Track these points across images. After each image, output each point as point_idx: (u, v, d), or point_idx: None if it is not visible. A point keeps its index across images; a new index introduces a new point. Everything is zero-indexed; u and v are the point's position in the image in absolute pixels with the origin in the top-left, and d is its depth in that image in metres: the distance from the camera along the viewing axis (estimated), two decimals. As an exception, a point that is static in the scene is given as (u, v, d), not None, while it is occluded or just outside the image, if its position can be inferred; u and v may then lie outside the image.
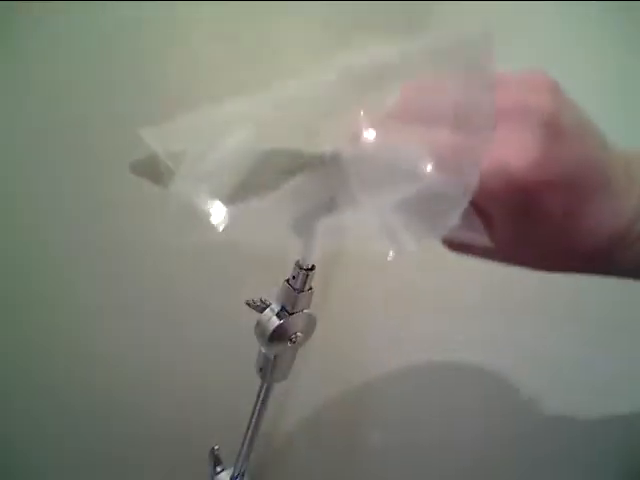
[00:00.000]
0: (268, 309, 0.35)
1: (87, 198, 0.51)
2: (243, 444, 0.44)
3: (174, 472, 0.71)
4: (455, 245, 0.27)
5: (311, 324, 0.37)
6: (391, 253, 0.23)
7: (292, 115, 0.24)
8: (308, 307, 0.35)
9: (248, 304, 0.36)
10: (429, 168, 0.22)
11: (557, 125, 0.22)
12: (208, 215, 0.23)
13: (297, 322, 0.35)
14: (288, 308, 0.35)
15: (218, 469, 0.48)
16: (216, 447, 0.48)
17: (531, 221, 0.24)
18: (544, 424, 0.56)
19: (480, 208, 0.24)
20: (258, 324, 0.35)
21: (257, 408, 0.42)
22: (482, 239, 0.24)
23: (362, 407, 0.76)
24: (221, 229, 0.22)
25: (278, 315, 0.35)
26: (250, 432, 0.43)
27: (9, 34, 0.41)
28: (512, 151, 0.22)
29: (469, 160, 0.22)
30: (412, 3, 0.62)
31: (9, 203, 0.48)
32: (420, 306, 0.63)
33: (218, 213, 0.23)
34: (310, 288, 0.34)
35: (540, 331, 0.54)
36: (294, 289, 0.34)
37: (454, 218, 0.23)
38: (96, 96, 0.47)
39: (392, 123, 0.23)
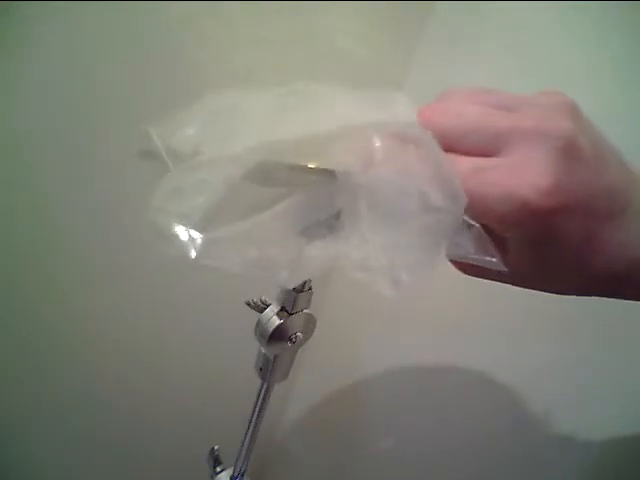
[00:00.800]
0: (268, 309, 0.35)
1: (99, 191, 0.51)
2: (243, 444, 0.44)
3: (174, 472, 0.71)
4: (468, 268, 0.27)
5: (311, 324, 0.37)
6: (387, 292, 0.22)
7: (302, 130, 0.23)
8: (308, 307, 0.36)
9: (248, 304, 0.36)
10: (444, 199, 0.21)
11: (575, 150, 0.22)
12: (180, 243, 0.22)
13: (297, 322, 0.35)
14: (288, 308, 0.35)
15: (218, 469, 0.48)
16: (216, 447, 0.48)
17: (546, 246, 0.23)
18: (543, 438, 0.56)
19: (493, 232, 0.23)
20: (258, 324, 0.35)
21: (257, 408, 0.42)
22: (496, 263, 0.23)
23: (361, 407, 0.76)
24: (193, 257, 0.22)
25: (278, 315, 0.35)
26: (250, 432, 0.43)
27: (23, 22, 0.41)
28: (527, 176, 0.21)
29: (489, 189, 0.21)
30: (413, 3, 0.62)
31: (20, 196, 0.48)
32: (419, 311, 0.63)
33: (190, 241, 0.22)
34: (310, 288, 0.34)
35: (540, 343, 0.54)
36: (294, 289, 0.34)
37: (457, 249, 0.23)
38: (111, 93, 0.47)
39: (409, 147, 0.22)
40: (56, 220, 0.50)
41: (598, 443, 0.51)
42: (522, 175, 0.21)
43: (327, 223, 0.24)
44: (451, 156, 0.22)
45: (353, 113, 0.24)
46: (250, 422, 0.42)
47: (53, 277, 0.53)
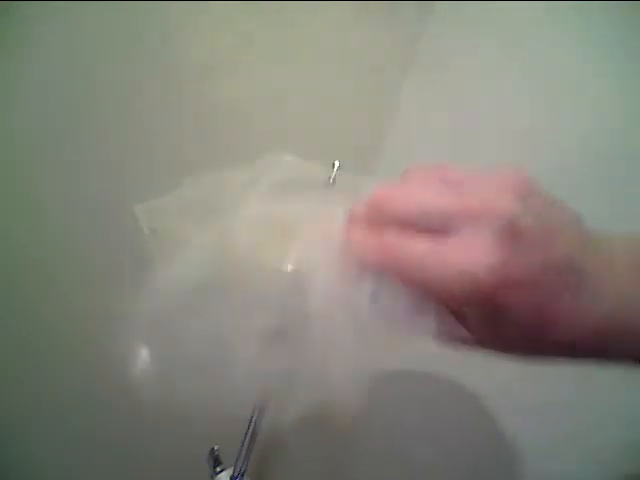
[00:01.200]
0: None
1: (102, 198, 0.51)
2: (243, 444, 0.44)
3: (174, 472, 0.71)
4: (442, 339, 0.28)
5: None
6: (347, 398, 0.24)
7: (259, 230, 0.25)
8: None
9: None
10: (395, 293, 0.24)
11: (517, 230, 0.22)
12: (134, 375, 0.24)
13: (297, 322, 0.35)
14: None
15: (218, 469, 0.48)
16: (216, 447, 0.48)
17: (502, 321, 0.24)
18: (543, 438, 0.56)
19: (454, 311, 0.24)
20: (258, 324, 0.35)
21: (257, 408, 0.42)
22: (463, 333, 0.25)
23: (361, 407, 0.76)
24: (142, 390, 0.23)
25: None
26: (250, 432, 0.43)
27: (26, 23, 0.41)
28: (473, 257, 0.22)
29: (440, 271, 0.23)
30: (413, 3, 0.62)
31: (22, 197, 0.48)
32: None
33: (140, 374, 0.25)
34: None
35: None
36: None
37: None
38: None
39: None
40: (56, 220, 0.50)
41: (598, 443, 0.51)
42: (470, 256, 0.22)
43: (279, 332, 0.26)
44: (405, 240, 0.24)
45: (308, 209, 0.26)
46: (250, 422, 0.42)
47: (53, 277, 0.53)
